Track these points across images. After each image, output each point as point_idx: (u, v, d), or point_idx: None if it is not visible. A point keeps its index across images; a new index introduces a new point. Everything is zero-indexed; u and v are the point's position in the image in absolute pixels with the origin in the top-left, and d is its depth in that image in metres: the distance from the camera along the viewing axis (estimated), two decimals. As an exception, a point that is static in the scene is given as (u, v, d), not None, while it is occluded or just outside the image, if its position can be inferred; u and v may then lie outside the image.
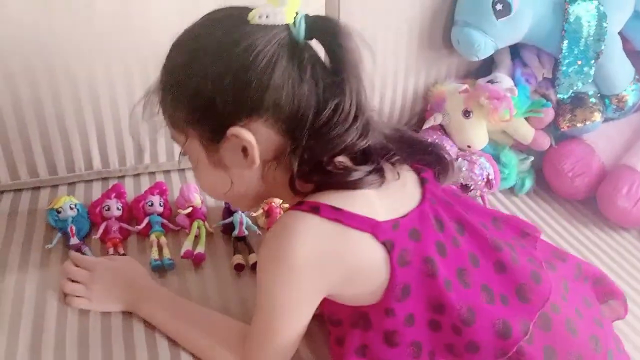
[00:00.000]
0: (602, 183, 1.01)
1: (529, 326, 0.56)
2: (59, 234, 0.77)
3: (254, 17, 0.52)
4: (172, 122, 0.58)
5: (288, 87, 0.52)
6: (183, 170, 0.96)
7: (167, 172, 0.95)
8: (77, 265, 0.71)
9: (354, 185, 0.55)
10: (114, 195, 0.81)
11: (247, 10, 0.54)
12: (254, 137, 0.53)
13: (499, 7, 0.95)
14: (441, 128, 1.05)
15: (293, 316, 0.57)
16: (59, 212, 0.78)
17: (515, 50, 1.07)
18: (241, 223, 0.81)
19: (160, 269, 0.74)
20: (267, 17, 0.52)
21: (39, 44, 0.76)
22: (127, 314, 0.68)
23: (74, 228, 0.76)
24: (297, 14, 0.54)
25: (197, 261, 0.77)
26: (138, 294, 0.68)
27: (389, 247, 0.54)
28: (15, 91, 0.78)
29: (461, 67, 1.10)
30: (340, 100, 0.52)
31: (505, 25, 0.97)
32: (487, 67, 1.10)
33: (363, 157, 0.57)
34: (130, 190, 0.89)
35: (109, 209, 0.79)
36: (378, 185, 0.56)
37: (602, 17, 0.97)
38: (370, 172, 0.55)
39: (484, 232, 0.60)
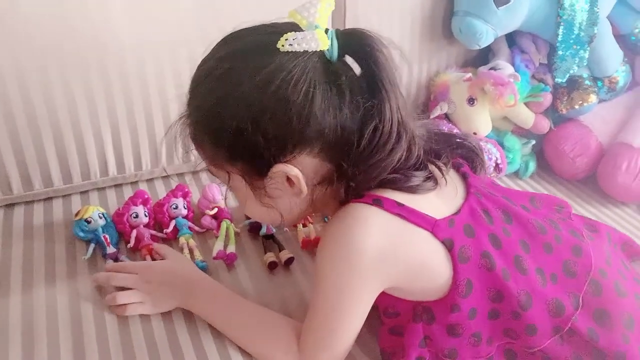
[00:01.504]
0: (601, 161, 1.05)
1: (579, 299, 0.58)
2: (93, 244, 0.75)
3: (283, 45, 0.50)
4: (210, 159, 0.56)
5: (329, 115, 0.50)
6: (197, 172, 0.94)
7: (180, 174, 0.93)
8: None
9: (413, 190, 0.55)
10: (139, 201, 0.79)
11: (273, 33, 0.51)
12: (300, 169, 0.53)
13: (498, -5, 0.98)
14: (446, 117, 1.07)
15: (355, 312, 0.57)
16: (88, 222, 0.75)
17: (510, 39, 1.11)
18: (269, 220, 0.80)
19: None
20: (298, 44, 0.50)
21: (54, 45, 0.73)
22: (168, 318, 0.66)
23: (107, 237, 0.74)
24: (327, 30, 0.52)
25: (229, 261, 0.76)
26: (190, 287, 0.66)
27: (448, 245, 0.55)
28: (27, 96, 0.75)
29: (459, 57, 1.13)
30: (379, 122, 0.51)
31: (505, 14, 1.00)
32: (484, 56, 1.13)
33: (416, 164, 0.56)
34: (146, 195, 0.87)
35: (137, 216, 0.77)
36: (433, 190, 0.57)
37: (593, 2, 1.01)
38: (426, 179, 0.56)
39: (529, 217, 0.61)
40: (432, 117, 1.06)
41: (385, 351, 0.63)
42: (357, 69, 0.52)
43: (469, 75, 1.03)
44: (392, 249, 0.54)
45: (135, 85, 0.81)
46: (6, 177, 0.79)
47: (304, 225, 0.83)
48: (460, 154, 0.65)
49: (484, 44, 1.03)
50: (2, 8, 0.69)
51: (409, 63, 1.06)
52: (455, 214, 0.58)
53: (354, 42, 0.51)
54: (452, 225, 0.56)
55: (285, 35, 0.50)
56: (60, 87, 0.76)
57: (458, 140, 0.66)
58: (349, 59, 0.52)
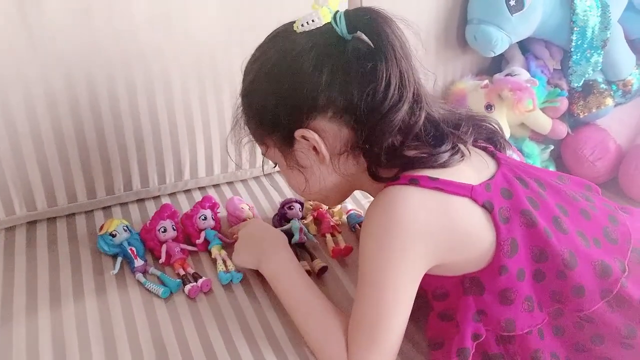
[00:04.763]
0: (622, 164, 1.05)
1: (624, 264, 0.58)
2: (120, 258, 0.73)
3: (297, 27, 0.57)
4: (253, 136, 0.65)
5: (337, 82, 0.55)
6: (219, 185, 0.93)
7: (202, 188, 0.92)
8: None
9: (443, 165, 0.57)
10: (166, 215, 0.77)
11: (295, 20, 0.58)
12: (319, 134, 0.58)
13: (512, 2, 0.99)
14: (464, 124, 1.07)
15: (402, 292, 0.56)
16: (113, 236, 0.73)
17: (522, 46, 1.12)
18: (300, 230, 0.79)
19: (229, 281, 0.72)
20: (307, 23, 0.57)
21: (81, 59, 0.73)
22: (203, 330, 0.64)
23: (134, 250, 0.72)
24: (338, 12, 0.57)
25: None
26: (267, 253, 0.69)
27: (489, 207, 0.56)
28: (55, 111, 0.74)
29: (474, 65, 1.13)
30: (377, 83, 0.54)
31: (519, 20, 1.01)
32: (497, 64, 1.14)
33: (438, 138, 0.58)
34: (170, 209, 0.85)
35: (165, 231, 0.75)
36: (462, 161, 0.58)
37: (605, 6, 1.03)
38: (453, 153, 0.57)
39: (561, 186, 0.63)
40: (450, 124, 1.06)
41: (434, 341, 0.62)
42: (368, 42, 0.56)
43: (486, 82, 1.03)
44: (435, 222, 0.55)
45: (160, 99, 0.80)
46: (31, 193, 0.77)
47: (333, 235, 0.81)
48: (482, 135, 0.66)
49: (498, 50, 1.04)
50: (30, 20, 0.69)
51: (424, 72, 1.07)
52: (490, 179, 0.59)
53: (359, 17, 0.56)
54: (489, 189, 0.58)
55: (297, 19, 0.58)
56: (86, 102, 0.75)
57: (478, 120, 0.67)
58: (361, 35, 0.57)
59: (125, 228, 0.76)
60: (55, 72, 0.72)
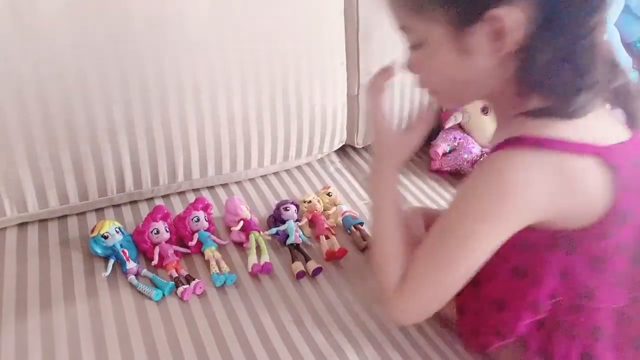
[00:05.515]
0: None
1: None
2: (112, 260, 0.71)
3: None
4: (413, 4, 0.53)
5: None
6: (213, 187, 0.92)
7: (196, 190, 0.91)
8: None
9: (573, 115, 0.51)
10: (159, 217, 0.76)
11: None
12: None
13: (508, 5, 0.99)
14: (460, 127, 1.07)
15: (478, 258, 0.53)
16: (105, 238, 0.72)
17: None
18: (296, 230, 0.79)
19: (222, 283, 0.71)
20: None
21: (74, 59, 0.72)
22: (198, 340, 0.63)
23: (126, 252, 0.71)
24: None
25: (266, 272, 0.74)
26: (385, 162, 0.63)
27: (614, 170, 0.52)
28: (46, 112, 0.73)
29: (469, 68, 1.13)
30: (598, 18, 0.49)
31: (515, 23, 1.01)
32: (493, 66, 1.14)
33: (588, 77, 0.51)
34: (164, 211, 0.84)
35: (158, 232, 0.74)
36: (592, 111, 0.52)
37: (600, 10, 1.03)
38: (590, 101, 0.51)
39: None
40: (446, 127, 1.05)
41: (496, 302, 0.59)
42: None
43: (482, 84, 1.03)
44: (551, 191, 0.51)
45: (154, 99, 0.79)
46: (22, 194, 0.76)
47: (327, 237, 0.81)
48: (616, 101, 0.58)
49: (495, 53, 1.04)
50: (23, 19, 0.68)
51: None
52: (622, 142, 0.54)
53: None
54: (622, 152, 0.53)
55: None
56: (79, 102, 0.74)
57: (625, 82, 0.57)
58: None
59: (118, 230, 0.75)
60: (47, 72, 0.71)
